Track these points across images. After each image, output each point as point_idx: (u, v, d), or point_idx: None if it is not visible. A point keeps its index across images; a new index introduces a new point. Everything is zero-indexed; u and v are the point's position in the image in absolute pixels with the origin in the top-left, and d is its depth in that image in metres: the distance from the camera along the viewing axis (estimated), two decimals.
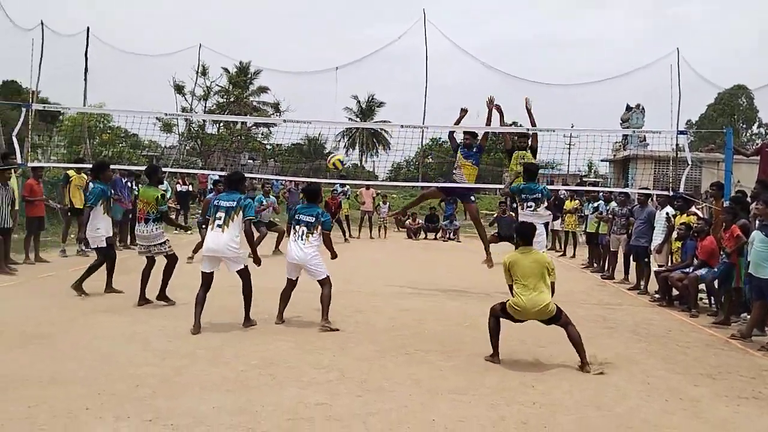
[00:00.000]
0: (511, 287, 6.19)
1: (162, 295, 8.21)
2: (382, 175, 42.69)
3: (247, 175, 8.87)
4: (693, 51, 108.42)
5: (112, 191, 8.66)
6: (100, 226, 8.58)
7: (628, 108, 37.50)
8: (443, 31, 42.86)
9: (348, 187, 19.16)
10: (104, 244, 8.63)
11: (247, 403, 4.80)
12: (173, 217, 11.78)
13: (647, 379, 5.86)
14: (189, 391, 5.03)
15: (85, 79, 24.01)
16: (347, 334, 7.14)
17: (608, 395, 5.37)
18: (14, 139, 11.40)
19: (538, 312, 6.08)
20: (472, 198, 11.37)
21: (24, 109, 12.29)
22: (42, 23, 22.01)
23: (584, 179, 43.79)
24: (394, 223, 22.13)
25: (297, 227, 7.33)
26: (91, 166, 10.25)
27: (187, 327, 6.99)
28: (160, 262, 8.30)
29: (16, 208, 11.00)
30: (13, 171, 11.10)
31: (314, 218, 7.30)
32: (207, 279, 7.16)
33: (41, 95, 28.46)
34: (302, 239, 7.25)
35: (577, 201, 16.28)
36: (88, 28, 24.14)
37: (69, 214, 13.06)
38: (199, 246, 8.68)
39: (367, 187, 20.57)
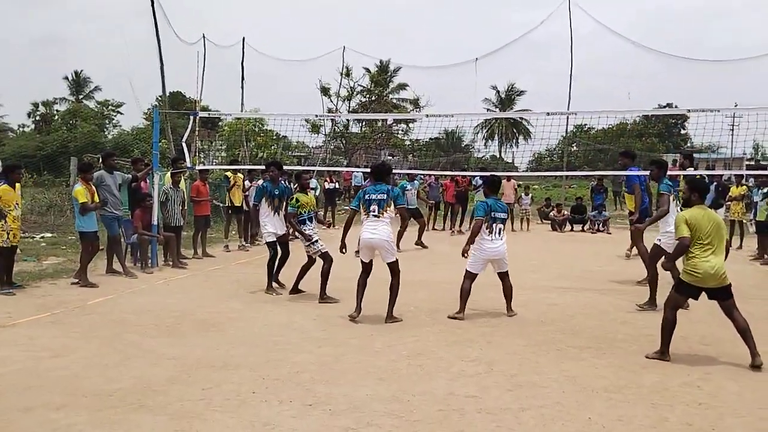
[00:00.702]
0: (684, 243, 5.73)
1: (295, 288, 8.73)
2: (522, 165, 41.73)
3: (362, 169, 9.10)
4: None
5: (276, 191, 9.03)
6: (267, 222, 8.98)
7: None
8: (590, 12, 40.74)
9: (477, 178, 18.94)
10: (272, 239, 8.99)
11: (398, 392, 4.95)
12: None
13: None
14: (344, 378, 5.28)
15: (242, 87, 25.78)
16: (493, 327, 7.10)
17: None
18: (183, 145, 12.53)
19: (720, 278, 5.68)
20: None
21: (191, 117, 13.46)
22: (204, 36, 23.92)
23: (748, 163, 39.91)
24: (537, 215, 21.53)
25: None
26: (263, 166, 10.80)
27: (340, 316, 7.34)
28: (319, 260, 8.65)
29: (185, 207, 12.09)
30: (182, 174, 12.21)
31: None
32: (367, 267, 7.44)
33: (203, 103, 30.97)
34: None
35: (744, 186, 14.90)
36: (243, 39, 25.90)
37: (230, 212, 14.17)
38: None
39: (508, 178, 20.17)
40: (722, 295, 5.78)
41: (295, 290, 8.72)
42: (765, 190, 12.81)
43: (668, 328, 5.85)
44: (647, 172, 9.33)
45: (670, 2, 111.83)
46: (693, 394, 4.97)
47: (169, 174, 11.72)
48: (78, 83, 56.86)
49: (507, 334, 6.78)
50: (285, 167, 10.63)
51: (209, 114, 17.13)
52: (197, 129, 21.60)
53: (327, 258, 8.42)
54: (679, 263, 6.07)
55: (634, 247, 10.23)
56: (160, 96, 22.33)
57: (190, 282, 9.85)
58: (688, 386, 5.17)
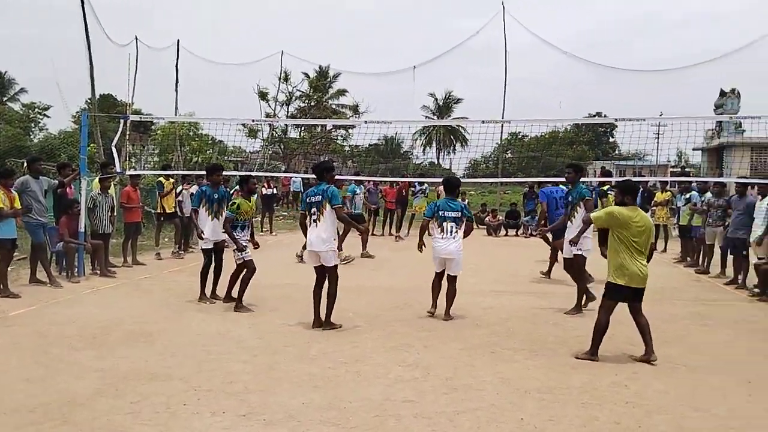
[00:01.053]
0: (588, 222, 6.22)
1: (228, 295, 8.53)
2: (459, 172, 42.33)
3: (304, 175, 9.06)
4: None
5: (216, 195, 8.82)
6: (204, 228, 8.70)
7: (722, 93, 35.60)
8: (524, 24, 41.83)
9: (426, 185, 19.16)
10: (208, 246, 8.72)
11: (335, 399, 4.91)
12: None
13: (749, 378, 5.55)
14: (279, 387, 5.19)
15: (176, 90, 25.12)
16: (430, 331, 7.15)
17: (706, 395, 5.13)
18: (113, 149, 12.10)
19: (644, 280, 5.98)
20: None
21: (121, 121, 13.02)
22: (136, 38, 23.21)
23: (673, 169, 41.89)
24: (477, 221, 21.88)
25: (444, 224, 7.71)
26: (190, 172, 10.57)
27: (275, 324, 7.25)
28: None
29: (114, 214, 11.69)
30: (111, 179, 11.80)
31: (459, 213, 7.74)
32: (318, 274, 7.24)
33: (135, 107, 30.05)
34: (451, 234, 7.69)
35: (668, 192, 15.58)
36: (178, 41, 25.24)
37: (161, 219, 13.77)
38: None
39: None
40: (638, 297, 6.03)
41: (229, 297, 8.53)
42: (687, 196, 13.43)
43: (600, 331, 6.06)
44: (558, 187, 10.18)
45: (601, 19, 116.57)
46: (621, 393, 5.14)
47: (97, 179, 11.32)
48: (2, 85, 54.17)
49: (444, 338, 6.84)
50: (224, 172, 10.36)
51: (141, 118, 16.58)
52: (128, 133, 20.96)
53: (250, 266, 8.26)
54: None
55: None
56: (90, 99, 21.49)
57: (119, 291, 9.51)
58: (616, 386, 5.33)
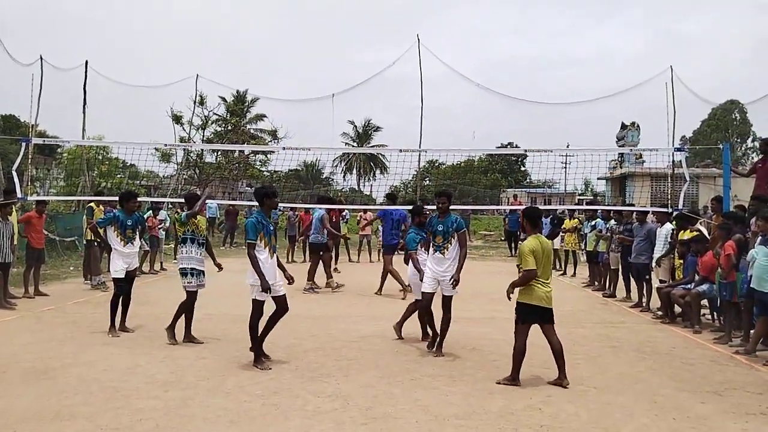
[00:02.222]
0: (531, 274, 6.13)
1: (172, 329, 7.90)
2: (379, 198, 42.76)
3: (243, 202, 8.80)
4: (686, 68, 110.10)
5: (129, 222, 8.43)
6: (115, 256, 8.30)
7: (624, 126, 37.87)
8: (438, 55, 43.12)
9: (347, 211, 19.18)
10: (119, 275, 8.26)
11: None
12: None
13: (654, 398, 5.83)
14: (192, 423, 4.99)
15: (84, 112, 24.00)
16: (349, 360, 7.09)
17: (615, 415, 5.33)
18: (14, 174, 11.44)
19: (550, 300, 6.23)
20: None
21: (23, 144, 12.33)
22: (41, 58, 22.11)
23: (580, 197, 43.98)
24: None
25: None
26: (116, 197, 10.04)
27: (189, 358, 6.98)
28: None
29: (15, 243, 10.99)
30: (13, 206, 11.12)
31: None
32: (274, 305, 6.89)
33: (40, 128, 28.57)
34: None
35: (576, 219, 16.29)
36: (86, 62, 24.21)
37: (96, 244, 12.93)
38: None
39: (365, 211, 20.57)
40: (547, 317, 6.28)
41: (188, 334, 7.88)
42: (593, 223, 14.09)
43: (519, 355, 6.23)
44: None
45: (511, 52, 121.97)
46: (535, 417, 5.27)
47: None
48: None
49: (363, 367, 6.79)
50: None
51: (45, 141, 15.73)
52: (30, 155, 19.86)
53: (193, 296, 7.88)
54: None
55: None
56: None
57: (18, 324, 8.90)
58: (531, 409, 5.47)
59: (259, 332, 6.75)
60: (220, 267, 8.24)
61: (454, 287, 7.35)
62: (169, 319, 7.88)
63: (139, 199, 9.12)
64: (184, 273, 7.83)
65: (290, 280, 7.05)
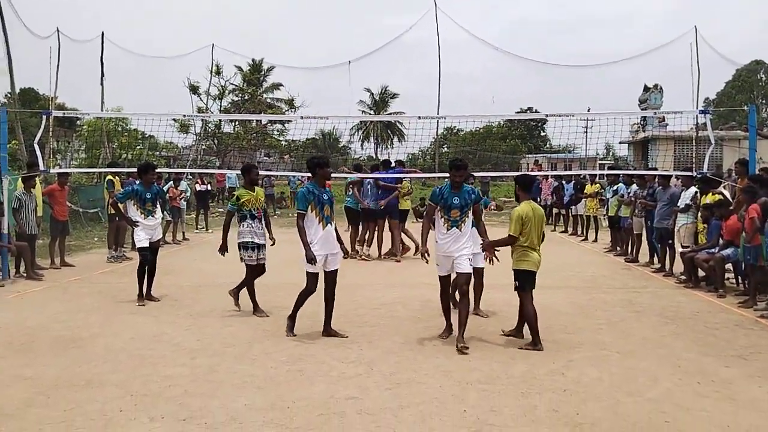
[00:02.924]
0: (513, 238, 6.33)
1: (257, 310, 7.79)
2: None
3: (263, 172, 8.73)
4: (710, 28, 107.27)
5: (148, 194, 8.50)
6: (138, 227, 8.40)
7: (646, 89, 37.08)
8: (456, 20, 42.35)
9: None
10: (143, 244, 8.36)
11: (277, 399, 4.84)
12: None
13: (678, 363, 5.81)
14: (220, 389, 5.08)
15: (102, 84, 24.07)
16: (372, 327, 7.15)
17: (639, 380, 5.33)
18: (36, 146, 11.55)
19: (539, 264, 6.41)
20: None
21: (44, 117, 12.41)
22: (58, 30, 22.09)
23: (602, 162, 43.42)
24: (412, 215, 22.03)
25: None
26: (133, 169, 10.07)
27: (215, 326, 7.08)
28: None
29: (40, 214, 11.16)
30: (36, 178, 11.25)
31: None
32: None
33: (59, 101, 28.72)
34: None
35: (598, 185, 16.14)
36: (102, 33, 24.16)
37: (117, 219, 13.10)
38: None
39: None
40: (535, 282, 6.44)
41: (256, 307, 7.77)
42: (615, 188, 13.92)
43: (533, 320, 6.27)
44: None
45: (530, 15, 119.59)
46: (558, 381, 5.28)
47: (20, 179, 10.78)
48: None
49: (386, 333, 6.85)
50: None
51: (64, 113, 15.84)
52: (51, 128, 20.01)
53: (262, 270, 7.79)
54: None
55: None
56: (9, 93, 20.41)
57: (46, 295, 9.08)
58: (554, 374, 5.48)
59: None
60: (273, 241, 8.03)
61: (487, 258, 6.82)
62: (190, 290, 7.91)
63: (157, 170, 9.17)
64: (244, 246, 7.72)
65: (346, 253, 6.86)
